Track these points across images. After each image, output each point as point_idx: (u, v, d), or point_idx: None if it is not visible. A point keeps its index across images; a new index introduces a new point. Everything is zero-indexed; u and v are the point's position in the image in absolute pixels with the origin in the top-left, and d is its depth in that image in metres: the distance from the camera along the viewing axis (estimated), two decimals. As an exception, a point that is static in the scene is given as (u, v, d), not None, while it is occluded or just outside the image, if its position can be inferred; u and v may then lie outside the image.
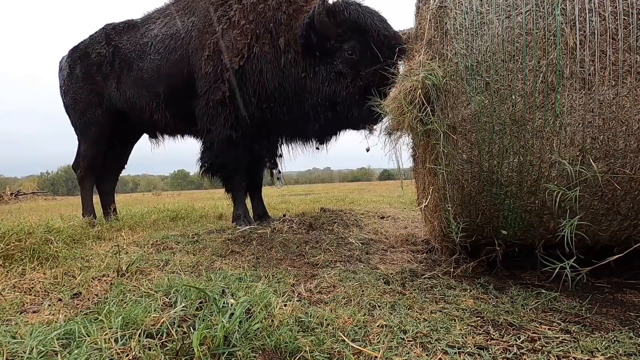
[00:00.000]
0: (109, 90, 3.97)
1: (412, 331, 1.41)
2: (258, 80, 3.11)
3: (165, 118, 3.75)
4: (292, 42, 2.99)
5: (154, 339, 1.25)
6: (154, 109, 3.74)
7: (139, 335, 1.25)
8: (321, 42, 2.82)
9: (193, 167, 3.78)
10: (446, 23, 1.92)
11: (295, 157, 3.76)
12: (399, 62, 2.72)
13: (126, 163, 4.63)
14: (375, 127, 2.97)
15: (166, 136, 4.27)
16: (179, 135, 4.16)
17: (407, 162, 2.79)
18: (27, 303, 1.69)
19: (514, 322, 1.54)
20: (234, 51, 3.12)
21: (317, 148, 3.49)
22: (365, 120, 2.95)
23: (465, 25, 1.89)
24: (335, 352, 1.26)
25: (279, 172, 3.82)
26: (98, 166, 4.24)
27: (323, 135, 3.35)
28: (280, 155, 3.80)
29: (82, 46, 4.16)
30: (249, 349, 1.22)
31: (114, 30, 4.04)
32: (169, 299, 1.62)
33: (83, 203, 4.24)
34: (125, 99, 3.88)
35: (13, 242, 2.26)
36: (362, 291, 1.87)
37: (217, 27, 3.19)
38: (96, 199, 4.48)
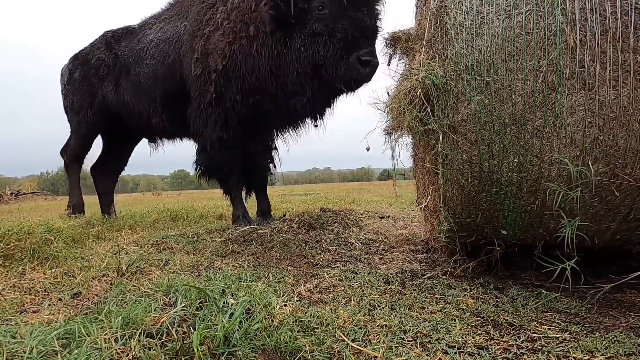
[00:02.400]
0: (105, 92, 4.06)
1: (412, 331, 1.41)
2: (239, 76, 3.08)
3: (162, 122, 3.78)
4: (260, 25, 2.88)
5: (154, 339, 1.25)
6: (152, 114, 3.79)
7: (139, 335, 1.25)
8: (288, 7, 2.66)
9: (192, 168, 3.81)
10: (446, 23, 1.92)
11: (289, 149, 3.73)
12: (380, 6, 2.72)
13: (126, 164, 4.71)
14: (367, 83, 2.78)
15: (165, 140, 4.33)
16: (177, 139, 4.23)
17: (407, 162, 2.79)
18: (27, 303, 1.69)
19: (514, 322, 1.54)
20: (218, 52, 3.14)
21: (315, 125, 3.34)
22: (355, 74, 2.73)
23: (465, 24, 1.89)
24: (335, 352, 1.26)
25: (274, 166, 3.82)
26: (82, 158, 4.49)
27: (316, 108, 3.14)
28: (275, 148, 3.78)
29: (82, 53, 4.34)
30: (249, 349, 1.22)
31: (114, 37, 4.14)
32: (169, 299, 1.62)
33: (70, 187, 4.52)
34: (124, 103, 3.94)
35: (13, 242, 2.26)
36: (362, 291, 1.87)
37: (205, 30, 3.23)
38: (94, 198, 4.59)
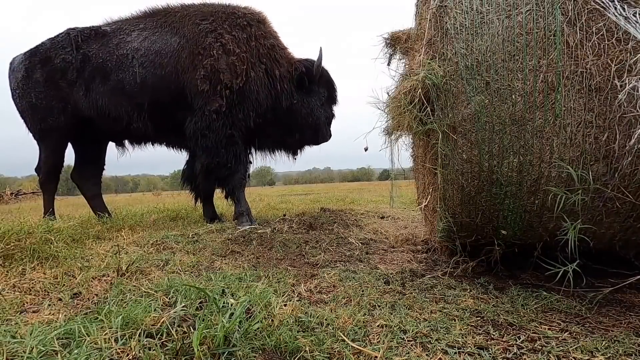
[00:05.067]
0: (75, 96, 3.94)
1: (412, 331, 1.41)
2: (255, 99, 3.76)
3: (145, 127, 3.92)
4: (286, 76, 3.90)
5: (154, 339, 1.25)
6: (134, 118, 3.88)
7: (139, 335, 1.25)
8: (310, 83, 3.97)
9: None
10: (446, 22, 1.92)
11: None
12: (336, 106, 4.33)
13: (104, 164, 4.61)
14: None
15: (136, 144, 4.41)
16: (149, 144, 4.37)
17: (407, 162, 2.80)
18: (27, 303, 1.69)
19: (514, 322, 1.54)
20: (232, 73, 3.67)
21: (295, 158, 4.50)
22: (328, 138, 4.32)
23: (465, 24, 1.89)
24: (335, 352, 1.26)
25: (249, 176, 4.22)
26: (59, 171, 4.27)
27: (300, 147, 4.41)
28: (251, 162, 4.26)
29: (42, 50, 4.04)
30: (249, 349, 1.22)
31: (81, 36, 4.00)
32: (169, 299, 1.62)
33: (44, 205, 4.26)
34: (96, 107, 3.91)
35: (13, 242, 2.26)
36: (362, 291, 1.87)
37: (213, 52, 3.68)
38: (80, 199, 4.50)
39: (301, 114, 4.00)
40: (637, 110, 1.60)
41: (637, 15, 1.64)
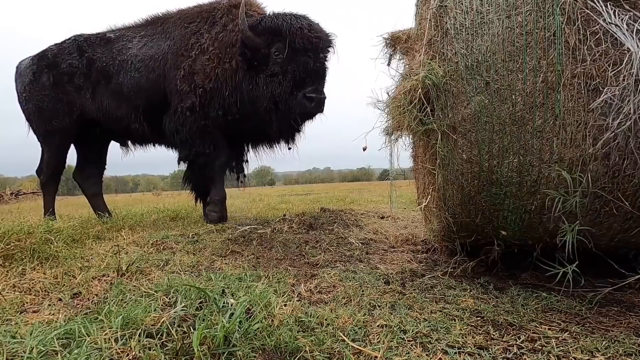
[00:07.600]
0: (82, 100, 4.07)
1: (412, 331, 1.41)
2: (220, 95, 3.54)
3: (142, 128, 4.02)
4: (239, 62, 3.38)
5: (154, 339, 1.25)
6: (132, 120, 4.00)
7: (139, 335, 1.25)
8: (254, 53, 3.23)
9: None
10: (446, 22, 1.92)
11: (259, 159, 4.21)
12: (328, 52, 3.22)
13: (106, 163, 4.70)
14: (319, 113, 3.31)
15: (138, 145, 4.50)
16: (150, 144, 4.44)
17: (407, 162, 2.80)
18: (27, 303, 1.69)
19: (514, 322, 1.54)
20: (204, 73, 3.58)
21: (289, 148, 3.77)
22: (302, 108, 3.18)
23: (465, 24, 1.89)
24: (335, 352, 1.26)
25: (244, 176, 4.13)
26: (61, 172, 4.34)
27: (285, 134, 3.58)
28: (247, 161, 4.16)
29: (49, 55, 4.15)
30: (249, 349, 1.22)
31: (87, 42, 4.14)
32: (169, 299, 1.62)
33: (45, 206, 4.32)
34: (101, 109, 4.05)
35: (13, 242, 2.26)
36: (362, 291, 1.87)
37: (192, 53, 3.65)
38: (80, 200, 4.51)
39: (258, 99, 3.29)
40: (608, 120, 1.62)
41: (625, 22, 1.64)
